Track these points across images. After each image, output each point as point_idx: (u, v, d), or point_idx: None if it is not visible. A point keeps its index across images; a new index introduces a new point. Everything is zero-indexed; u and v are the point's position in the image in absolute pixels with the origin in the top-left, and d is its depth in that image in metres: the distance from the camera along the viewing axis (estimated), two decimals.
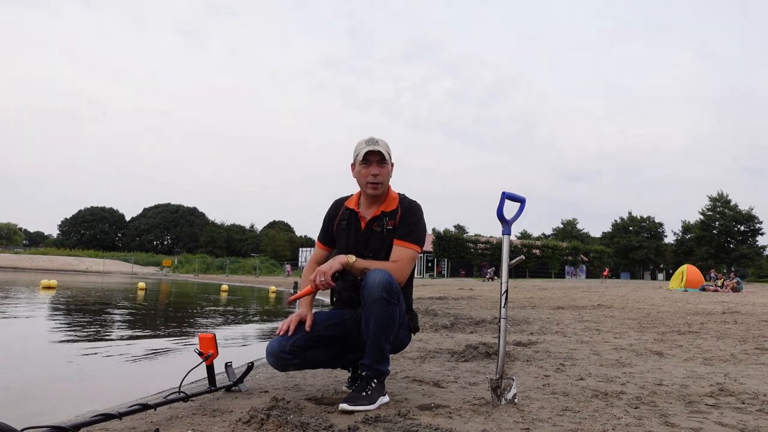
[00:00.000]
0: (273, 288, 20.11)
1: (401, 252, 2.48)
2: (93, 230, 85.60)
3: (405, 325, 2.53)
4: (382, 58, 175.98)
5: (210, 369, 2.59)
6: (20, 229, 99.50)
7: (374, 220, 2.56)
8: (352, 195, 2.69)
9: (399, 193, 2.66)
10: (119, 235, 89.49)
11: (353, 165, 2.57)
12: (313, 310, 2.56)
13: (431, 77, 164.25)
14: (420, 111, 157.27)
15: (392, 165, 2.60)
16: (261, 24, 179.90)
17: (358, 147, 2.53)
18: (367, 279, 2.31)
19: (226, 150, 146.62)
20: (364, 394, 2.29)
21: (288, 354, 2.41)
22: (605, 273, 41.04)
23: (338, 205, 2.71)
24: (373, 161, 2.49)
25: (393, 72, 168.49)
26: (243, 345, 5.47)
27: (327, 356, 2.54)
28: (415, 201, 2.63)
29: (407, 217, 2.55)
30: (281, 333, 2.48)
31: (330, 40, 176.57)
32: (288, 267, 49.73)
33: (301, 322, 2.51)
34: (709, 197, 60.06)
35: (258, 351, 4.82)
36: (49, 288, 15.36)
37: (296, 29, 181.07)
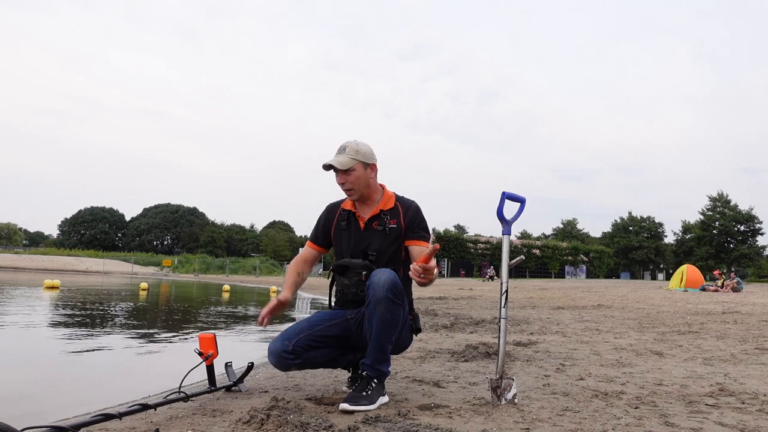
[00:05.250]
0: (274, 288, 20.11)
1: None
2: (93, 230, 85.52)
3: (408, 326, 2.54)
4: (379, 58, 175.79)
5: (210, 369, 2.60)
6: (20, 229, 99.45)
7: (374, 218, 2.58)
8: (346, 198, 2.70)
9: (394, 192, 2.69)
10: (119, 235, 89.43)
11: None
12: (314, 310, 2.57)
13: (429, 77, 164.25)
14: (418, 111, 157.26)
15: (372, 165, 2.58)
16: (259, 24, 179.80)
17: None
18: (373, 278, 2.32)
19: (225, 150, 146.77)
20: (364, 394, 2.29)
21: (290, 354, 2.41)
22: (716, 273, 26.36)
23: (334, 207, 2.73)
24: (338, 172, 2.53)
25: (391, 72, 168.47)
26: (243, 345, 5.47)
27: (329, 356, 2.54)
28: (413, 200, 2.67)
29: (418, 218, 2.59)
30: (261, 323, 2.47)
31: (328, 41, 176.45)
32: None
33: (302, 323, 2.52)
34: (709, 197, 59.98)
35: (258, 350, 4.83)
36: (52, 288, 15.36)
37: (294, 30, 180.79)
